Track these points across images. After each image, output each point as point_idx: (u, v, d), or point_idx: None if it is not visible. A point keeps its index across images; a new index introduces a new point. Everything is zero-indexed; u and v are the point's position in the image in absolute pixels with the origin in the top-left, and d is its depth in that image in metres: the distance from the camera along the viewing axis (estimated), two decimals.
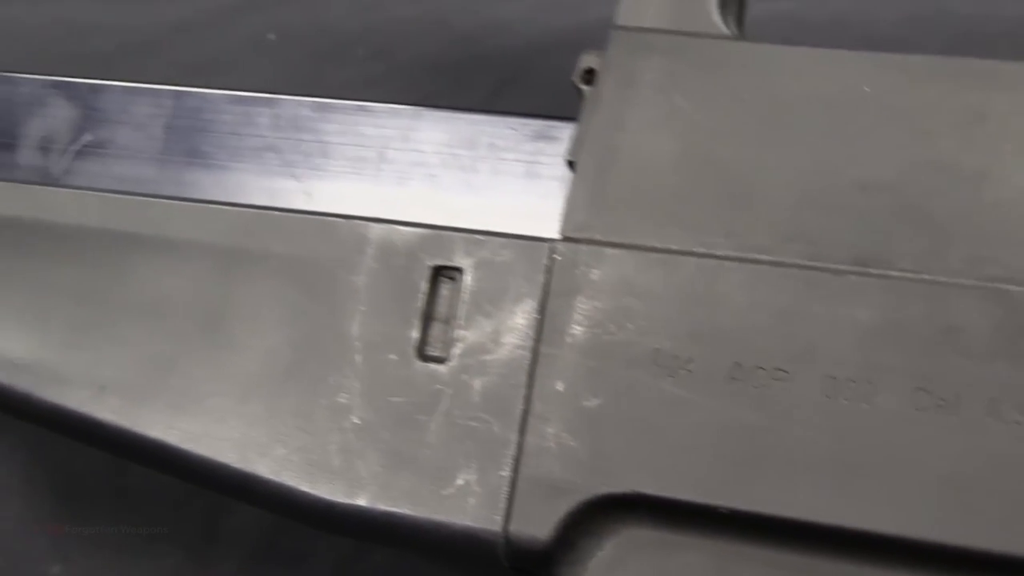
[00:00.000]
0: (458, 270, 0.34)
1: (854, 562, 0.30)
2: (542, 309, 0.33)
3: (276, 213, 0.37)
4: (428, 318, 0.34)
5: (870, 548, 0.30)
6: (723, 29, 0.35)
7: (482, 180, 0.37)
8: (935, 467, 0.30)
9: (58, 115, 0.42)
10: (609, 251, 0.33)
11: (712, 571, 0.32)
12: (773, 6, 0.41)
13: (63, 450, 0.44)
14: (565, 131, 0.36)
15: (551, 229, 0.34)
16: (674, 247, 0.33)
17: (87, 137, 0.42)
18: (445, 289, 0.35)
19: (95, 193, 0.39)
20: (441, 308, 0.34)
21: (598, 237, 0.33)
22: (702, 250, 0.32)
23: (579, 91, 0.35)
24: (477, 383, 0.33)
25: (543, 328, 0.33)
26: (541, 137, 0.37)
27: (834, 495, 0.30)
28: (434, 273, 0.35)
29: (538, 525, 0.32)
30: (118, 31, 0.57)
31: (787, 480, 0.30)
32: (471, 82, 0.52)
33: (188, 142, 0.40)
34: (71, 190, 0.40)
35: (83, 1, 0.58)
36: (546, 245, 0.34)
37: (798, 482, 0.30)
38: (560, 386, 0.32)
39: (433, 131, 0.38)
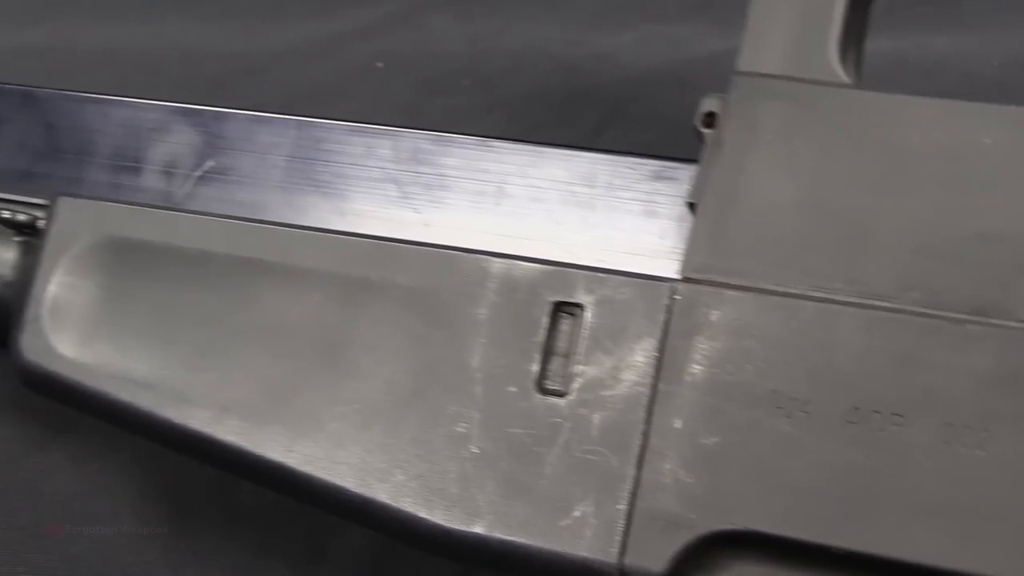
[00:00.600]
0: (579, 306, 0.35)
1: None
2: (662, 348, 0.34)
3: (399, 244, 0.38)
4: (548, 352, 0.36)
5: None
6: (842, 77, 0.36)
7: (600, 217, 0.38)
8: None
9: (182, 140, 0.44)
10: (729, 293, 0.34)
11: None
12: (873, 45, 0.42)
13: (175, 466, 0.45)
14: (682, 172, 0.38)
15: (670, 269, 0.35)
16: (794, 291, 0.34)
17: (210, 163, 0.44)
18: (565, 324, 0.36)
19: (220, 220, 0.41)
20: (561, 343, 0.36)
21: (718, 279, 0.34)
22: (821, 295, 0.33)
23: (699, 134, 0.36)
24: (596, 417, 0.34)
25: (662, 366, 0.34)
26: (658, 177, 0.38)
27: (948, 539, 0.31)
28: (555, 309, 0.36)
29: (653, 559, 0.34)
30: (231, 57, 0.59)
31: (901, 523, 0.31)
32: (575, 115, 0.54)
33: (309, 171, 0.42)
34: (197, 216, 0.41)
35: (198, 27, 0.61)
36: (666, 285, 0.35)
37: (912, 526, 0.31)
38: (678, 423, 0.34)
39: (552, 167, 0.39)
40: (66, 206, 0.43)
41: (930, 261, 0.33)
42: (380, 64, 0.58)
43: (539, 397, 0.36)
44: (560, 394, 0.35)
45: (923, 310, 0.33)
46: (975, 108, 0.35)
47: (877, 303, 0.33)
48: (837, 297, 0.33)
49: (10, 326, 0.43)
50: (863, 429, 0.32)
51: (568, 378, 0.35)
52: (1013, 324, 0.32)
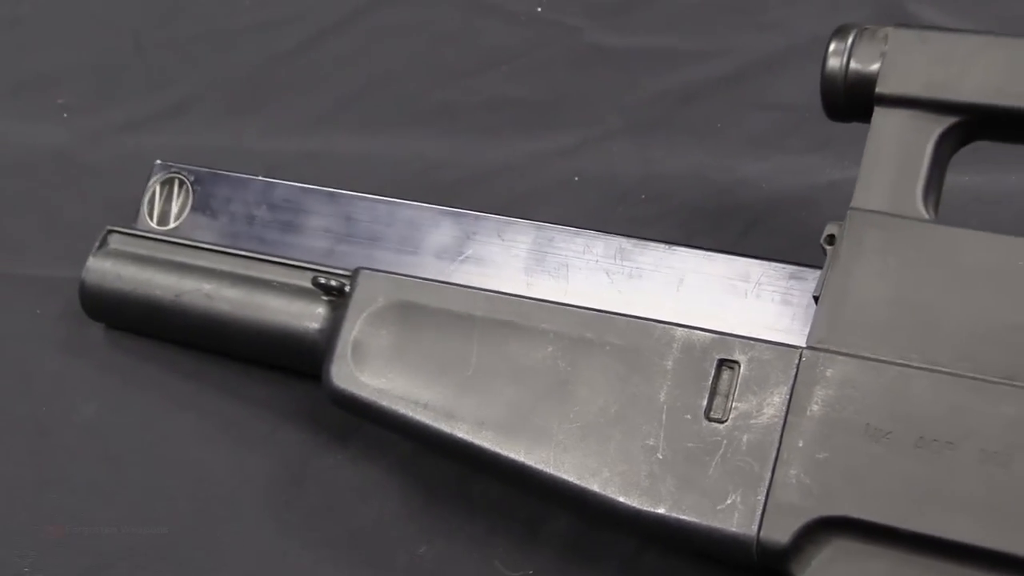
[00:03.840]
0: (736, 362, 0.50)
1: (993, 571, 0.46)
2: (791, 393, 0.49)
3: (611, 315, 0.54)
4: (713, 393, 0.51)
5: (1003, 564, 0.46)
6: (924, 214, 0.51)
7: (752, 304, 0.54)
8: None
9: (448, 234, 0.61)
10: (839, 358, 0.48)
11: (888, 571, 0.47)
12: (957, 179, 0.56)
13: (425, 466, 0.61)
14: (810, 274, 0.53)
15: (800, 340, 0.50)
16: (883, 358, 0.49)
17: (469, 251, 0.60)
18: (725, 374, 0.51)
19: (480, 291, 0.57)
20: (723, 386, 0.50)
21: (832, 348, 0.49)
22: (902, 361, 0.49)
23: (823, 248, 0.52)
24: (744, 437, 0.49)
25: (791, 405, 0.49)
26: (794, 277, 0.54)
27: (980, 525, 0.46)
28: (719, 363, 0.51)
29: (781, 533, 0.48)
30: (461, 167, 0.72)
31: (950, 512, 0.46)
32: (724, 225, 0.67)
33: (544, 261, 0.58)
34: (463, 287, 0.57)
35: (436, 143, 0.74)
36: (797, 351, 0.49)
37: (956, 515, 0.46)
38: (801, 443, 0.48)
39: (718, 266, 0.55)
40: (366, 276, 0.58)
41: (978, 343, 0.48)
42: (576, 178, 0.71)
43: (706, 423, 0.50)
44: (721, 421, 0.50)
45: (971, 375, 0.48)
46: (1017, 240, 0.50)
47: (940, 368, 0.48)
48: (912, 364, 0.48)
49: (322, 361, 0.58)
50: (926, 451, 0.47)
51: (727, 411, 0.50)
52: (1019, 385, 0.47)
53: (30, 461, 0.63)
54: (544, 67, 0.78)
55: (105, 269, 0.66)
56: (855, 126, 0.55)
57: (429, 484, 0.60)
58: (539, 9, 0.81)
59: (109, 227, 0.67)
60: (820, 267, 0.51)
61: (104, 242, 0.67)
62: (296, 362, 0.62)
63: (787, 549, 0.48)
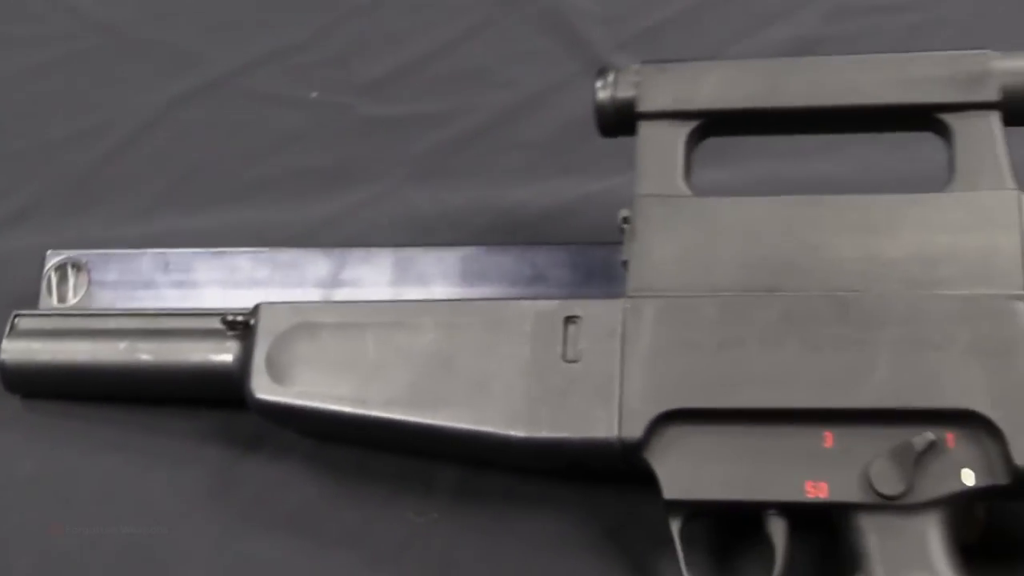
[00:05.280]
0: (578, 316, 0.67)
1: (795, 426, 0.64)
2: (623, 329, 0.66)
3: (474, 301, 0.71)
4: (565, 342, 0.66)
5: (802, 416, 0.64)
6: (687, 191, 0.68)
7: (575, 275, 0.73)
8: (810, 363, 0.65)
9: (323, 267, 0.77)
10: (652, 299, 0.66)
11: (717, 442, 0.65)
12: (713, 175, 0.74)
13: (328, 457, 0.75)
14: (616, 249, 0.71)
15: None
16: (682, 293, 0.66)
17: (344, 277, 0.76)
18: (571, 327, 0.66)
19: (365, 302, 0.72)
20: (571, 336, 0.66)
21: (646, 293, 0.66)
22: (695, 293, 0.66)
23: (621, 229, 0.69)
24: (596, 368, 0.65)
25: (624, 338, 0.66)
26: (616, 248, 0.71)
27: (774, 392, 0.64)
28: (565, 320, 0.67)
29: (635, 431, 0.64)
30: (286, 226, 0.86)
31: (750, 388, 0.64)
32: (517, 235, 0.83)
33: (407, 274, 0.75)
34: (349, 303, 0.73)
35: (266, 210, 0.87)
36: (621, 300, 0.67)
37: (755, 388, 0.64)
38: (637, 363, 0.64)
39: (547, 255, 0.74)
40: (267, 307, 0.71)
41: (743, 270, 0.66)
42: (386, 221, 0.86)
43: (564, 364, 0.66)
44: (575, 361, 0.66)
45: (744, 292, 0.67)
46: (752, 198, 0.70)
47: (722, 293, 0.66)
48: (703, 293, 0.66)
49: (241, 386, 0.70)
50: (726, 350, 0.64)
51: (578, 352, 0.67)
52: (783, 293, 0.66)
53: None
54: (331, 139, 0.94)
55: (19, 348, 0.78)
56: (591, 155, 0.80)
57: (335, 469, 0.75)
58: (313, 95, 0.97)
59: (16, 312, 0.78)
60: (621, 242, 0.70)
61: (13, 326, 0.78)
62: (217, 392, 0.74)
63: (641, 442, 0.64)
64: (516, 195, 0.88)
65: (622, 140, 0.73)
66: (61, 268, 0.79)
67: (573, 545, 0.71)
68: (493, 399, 0.67)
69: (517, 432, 0.67)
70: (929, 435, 0.63)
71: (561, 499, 0.72)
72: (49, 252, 0.80)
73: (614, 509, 0.72)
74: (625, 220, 0.70)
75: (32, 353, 0.77)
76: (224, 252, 0.78)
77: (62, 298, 0.78)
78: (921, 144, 0.72)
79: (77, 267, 0.78)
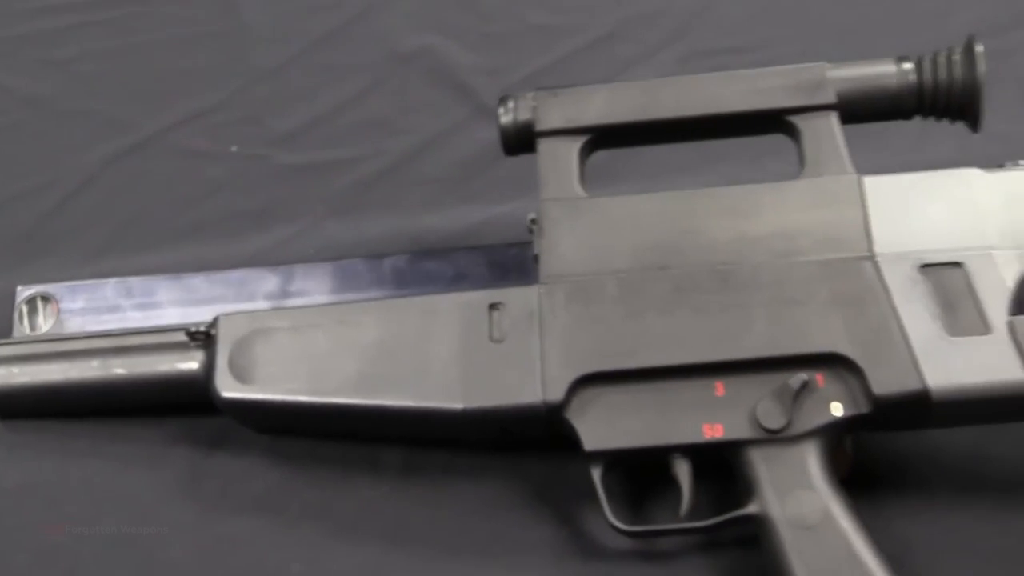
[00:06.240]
0: (501, 303, 0.78)
1: (690, 379, 0.75)
2: (539, 310, 0.77)
3: (409, 298, 0.82)
4: (491, 325, 0.77)
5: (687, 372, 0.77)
6: (583, 194, 0.79)
7: (496, 271, 0.85)
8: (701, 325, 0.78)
9: (271, 283, 0.88)
10: (561, 283, 0.78)
11: (626, 398, 0.76)
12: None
13: (284, 448, 0.85)
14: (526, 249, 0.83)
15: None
16: (584, 276, 0.78)
17: (292, 289, 0.87)
18: (495, 313, 0.77)
19: (314, 306, 0.84)
20: (496, 320, 0.77)
21: (555, 279, 0.78)
22: (595, 273, 0.78)
23: (530, 229, 0.81)
24: (520, 345, 0.76)
25: (541, 317, 0.77)
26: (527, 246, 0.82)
27: (672, 351, 0.77)
28: (490, 307, 0.78)
29: (556, 394, 0.74)
30: (227, 259, 0.95)
31: (652, 350, 0.76)
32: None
33: (347, 282, 0.87)
34: (299, 308, 0.84)
35: (200, 249, 0.98)
36: (536, 287, 0.78)
37: (657, 351, 0.76)
38: (554, 336, 0.76)
39: (474, 256, 0.86)
40: (225, 318, 0.81)
41: (638, 255, 0.80)
42: (312, 251, 0.95)
43: (492, 344, 0.76)
44: (501, 340, 0.77)
45: (641, 270, 0.79)
46: (639, 196, 0.83)
47: (623, 271, 0.78)
48: (604, 272, 0.78)
49: (207, 389, 0.80)
50: (630, 321, 0.76)
51: (503, 333, 0.78)
52: (672, 270, 0.78)
53: None
54: (253, 186, 1.04)
55: None
56: (487, 185, 0.96)
57: (292, 458, 0.85)
58: (234, 148, 1.08)
59: None
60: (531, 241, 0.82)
61: None
62: (186, 397, 0.83)
63: (562, 403, 0.75)
64: (425, 222, 0.98)
65: (514, 170, 0.87)
66: (31, 301, 0.88)
67: (507, 506, 0.82)
68: (433, 379, 0.78)
69: (456, 405, 0.78)
70: (802, 376, 0.75)
71: (494, 468, 0.83)
72: (19, 288, 0.89)
73: (541, 473, 0.83)
74: (533, 221, 0.82)
75: (11, 377, 0.86)
76: (181, 276, 0.88)
77: (34, 328, 0.87)
78: (772, 159, 0.87)
79: (46, 299, 0.88)
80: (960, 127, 0.81)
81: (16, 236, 1.01)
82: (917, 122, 0.83)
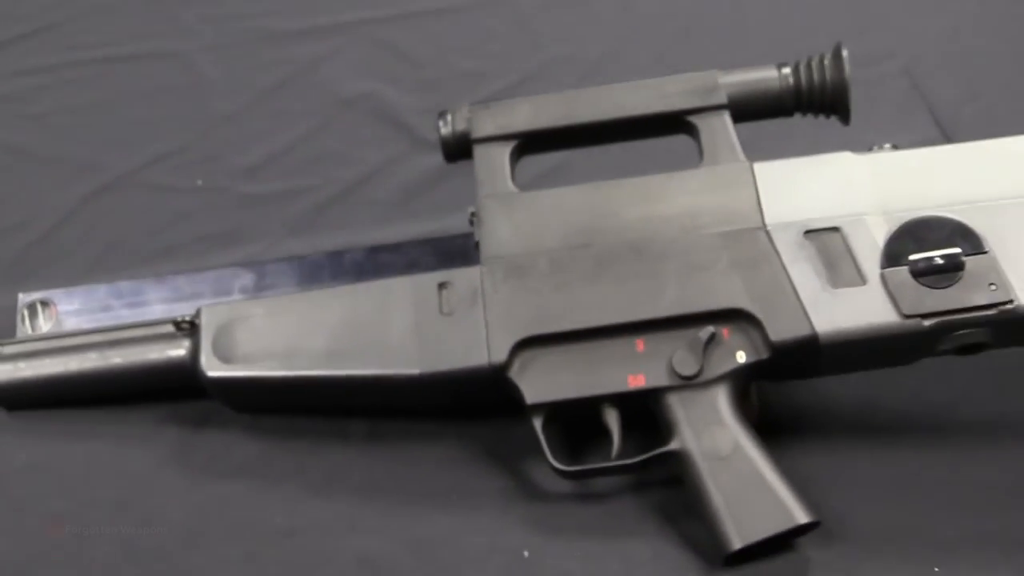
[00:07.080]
0: (448, 282, 0.89)
1: (615, 338, 0.88)
2: (481, 286, 0.89)
3: (367, 283, 0.94)
4: (440, 302, 0.89)
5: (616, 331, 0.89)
6: (515, 189, 0.91)
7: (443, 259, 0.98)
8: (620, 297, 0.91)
9: (246, 279, 1.00)
10: (499, 262, 0.89)
11: (560, 357, 0.88)
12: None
13: (262, 426, 0.96)
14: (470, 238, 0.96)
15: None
16: (519, 254, 0.92)
17: (266, 283, 0.99)
18: (444, 291, 0.89)
19: (284, 296, 0.95)
20: (445, 297, 0.89)
21: (494, 259, 0.90)
22: (529, 253, 0.91)
23: (471, 221, 0.95)
24: (467, 316, 0.88)
25: (483, 291, 0.88)
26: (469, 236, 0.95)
27: (598, 313, 0.89)
28: (439, 286, 0.90)
29: (500, 355, 0.85)
30: None
31: (584, 312, 0.88)
32: None
33: (314, 276, 0.99)
34: (272, 297, 0.95)
35: (172, 266, 1.12)
36: (478, 267, 0.90)
37: (584, 312, 0.88)
38: (495, 306, 0.87)
39: (429, 247, 0.98)
40: (208, 308, 0.91)
41: (564, 235, 0.93)
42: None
43: (441, 317, 0.87)
44: (451, 314, 0.88)
45: (560, 251, 0.93)
46: (589, 185, 0.95)
47: (554, 250, 0.92)
48: (534, 251, 0.91)
49: (194, 370, 0.91)
50: (561, 291, 0.88)
51: (452, 307, 0.89)
52: (594, 246, 0.93)
53: None
54: (218, 213, 1.15)
55: (6, 369, 0.97)
56: (428, 205, 1.09)
57: (269, 432, 0.96)
58: (199, 183, 1.20)
59: (0, 341, 0.98)
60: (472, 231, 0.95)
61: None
62: (175, 381, 0.93)
63: (506, 364, 0.86)
64: (374, 237, 1.07)
65: (450, 192, 1.05)
66: (32, 306, 0.98)
67: (461, 463, 0.93)
68: (392, 350, 0.89)
69: (414, 370, 0.89)
70: (710, 329, 0.88)
71: (449, 432, 0.94)
72: (21, 295, 1.00)
73: (489, 435, 0.94)
74: (473, 214, 0.94)
75: (18, 371, 0.96)
76: (165, 277, 0.99)
77: (36, 329, 0.98)
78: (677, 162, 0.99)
79: (45, 303, 0.98)
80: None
81: (7, 263, 1.12)
82: (813, 123, 0.97)
